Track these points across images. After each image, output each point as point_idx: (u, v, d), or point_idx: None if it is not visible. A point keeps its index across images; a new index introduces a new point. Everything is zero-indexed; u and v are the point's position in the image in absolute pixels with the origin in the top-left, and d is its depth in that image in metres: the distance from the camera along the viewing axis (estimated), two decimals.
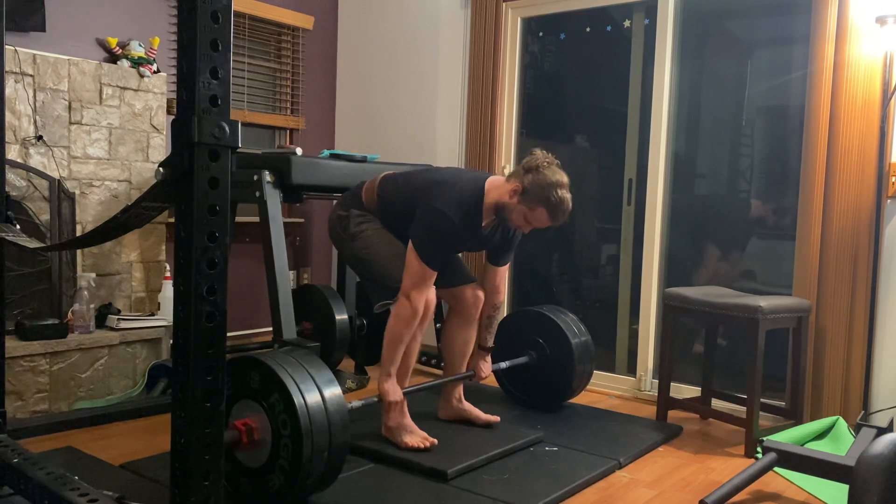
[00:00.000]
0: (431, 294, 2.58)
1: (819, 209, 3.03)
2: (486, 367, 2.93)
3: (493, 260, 2.86)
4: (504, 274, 2.91)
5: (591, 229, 4.04)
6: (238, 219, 3.73)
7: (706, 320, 3.17)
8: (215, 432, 1.20)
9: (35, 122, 3.18)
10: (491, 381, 3.18)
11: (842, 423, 2.90)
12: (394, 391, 2.60)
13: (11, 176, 3.05)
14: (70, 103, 3.29)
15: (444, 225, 2.52)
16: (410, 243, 2.54)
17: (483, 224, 2.63)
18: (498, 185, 2.61)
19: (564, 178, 2.53)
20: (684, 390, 3.39)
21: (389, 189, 2.71)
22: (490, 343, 2.95)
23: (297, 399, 2.02)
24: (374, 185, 2.75)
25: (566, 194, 2.51)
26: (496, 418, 2.89)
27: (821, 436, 2.91)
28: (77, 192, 3.32)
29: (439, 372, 3.67)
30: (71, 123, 3.30)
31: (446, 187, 2.57)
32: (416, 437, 2.60)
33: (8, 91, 3.04)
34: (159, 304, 3.55)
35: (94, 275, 3.27)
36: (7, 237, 2.08)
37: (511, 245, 2.83)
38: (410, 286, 2.54)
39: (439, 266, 2.57)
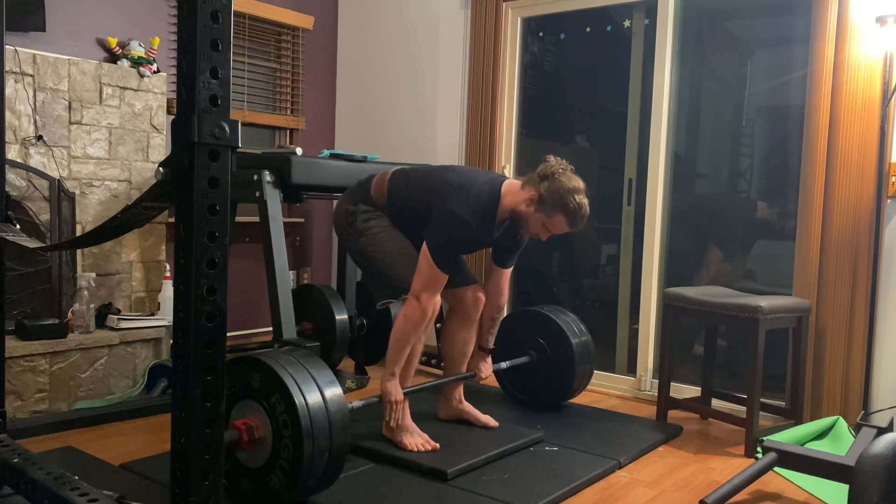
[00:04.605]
0: (437, 297, 2.58)
1: (819, 209, 3.03)
2: (487, 367, 2.93)
3: (499, 261, 2.85)
4: (507, 276, 2.89)
5: (591, 229, 4.04)
6: (238, 219, 3.73)
7: (706, 320, 3.17)
8: (215, 432, 1.20)
9: (35, 122, 3.18)
10: (491, 381, 3.18)
11: (842, 423, 2.90)
12: (396, 392, 2.60)
13: (11, 176, 3.05)
14: (70, 103, 3.29)
15: (461, 229, 2.52)
16: (424, 246, 2.53)
17: (495, 224, 2.63)
18: (513, 191, 2.59)
19: (581, 184, 2.52)
20: (684, 390, 3.39)
21: (401, 186, 2.69)
22: (491, 344, 2.95)
23: (298, 399, 2.02)
24: (385, 180, 2.73)
25: (584, 200, 2.50)
26: (496, 424, 2.88)
27: (821, 436, 2.91)
28: (77, 192, 3.32)
29: (439, 372, 3.67)
30: (71, 123, 3.30)
31: (463, 190, 2.55)
32: (417, 438, 2.60)
33: (8, 91, 3.04)
34: (159, 304, 3.55)
35: (94, 275, 3.27)
36: (7, 237, 2.08)
37: (518, 246, 2.82)
38: (421, 288, 2.53)
39: (451, 270, 2.57)
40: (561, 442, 2.80)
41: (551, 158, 2.58)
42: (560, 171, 2.53)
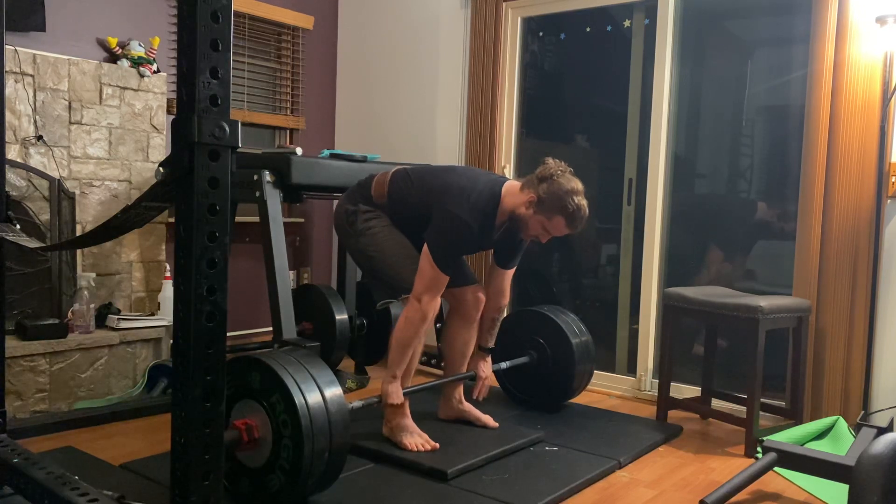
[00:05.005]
0: (438, 298, 2.58)
1: (819, 209, 3.03)
2: (487, 367, 2.93)
3: (500, 262, 2.85)
4: (509, 277, 2.89)
5: (591, 229, 4.04)
6: (238, 219, 3.73)
7: (706, 320, 3.17)
8: (215, 432, 1.20)
9: (35, 122, 3.18)
10: (491, 381, 3.17)
11: (842, 423, 2.90)
12: (396, 394, 2.59)
13: (11, 176, 3.05)
14: (70, 103, 3.29)
15: (462, 232, 2.52)
16: (426, 247, 2.53)
17: (495, 226, 2.63)
18: (513, 192, 2.59)
19: (580, 185, 2.52)
20: (684, 390, 3.39)
21: (401, 186, 2.69)
22: (491, 344, 2.94)
23: (298, 399, 2.02)
24: (385, 180, 2.72)
25: (583, 201, 2.51)
26: (495, 424, 2.88)
27: (821, 436, 2.91)
28: (77, 192, 3.32)
29: (439, 372, 3.67)
30: (71, 123, 3.30)
31: (465, 192, 2.54)
32: (417, 438, 2.60)
33: (8, 91, 3.04)
34: (159, 304, 3.55)
35: (94, 275, 3.27)
36: (7, 237, 2.08)
37: (519, 248, 2.82)
38: (423, 290, 2.53)
39: (451, 271, 2.57)
40: (561, 442, 2.80)
41: (549, 160, 2.58)
42: (558, 172, 2.52)
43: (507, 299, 2.93)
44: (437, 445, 2.59)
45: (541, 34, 4.18)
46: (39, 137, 3.19)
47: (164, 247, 3.67)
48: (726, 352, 3.59)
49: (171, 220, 3.59)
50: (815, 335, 3.05)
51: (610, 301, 3.90)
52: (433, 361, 3.90)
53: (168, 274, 3.63)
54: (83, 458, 2.48)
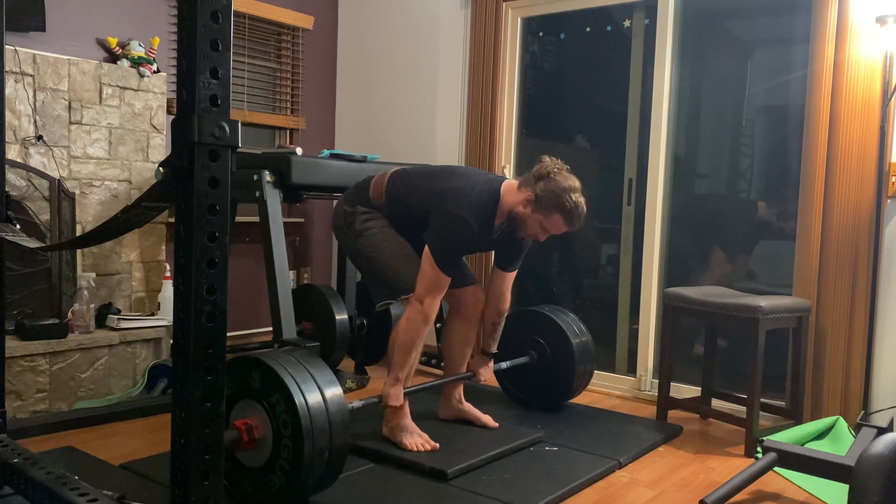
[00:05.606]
0: (439, 300, 2.57)
1: (819, 209, 3.03)
2: (487, 371, 2.92)
3: (501, 264, 2.83)
4: (510, 280, 2.86)
5: (591, 229, 4.05)
6: (238, 219, 3.73)
7: (706, 320, 3.17)
8: (215, 432, 1.20)
9: (35, 122, 3.18)
10: (491, 381, 3.18)
11: (842, 423, 2.90)
12: (396, 396, 2.59)
13: (11, 176, 3.05)
14: (70, 103, 3.29)
15: (463, 232, 2.51)
16: (427, 249, 2.52)
17: (494, 225, 2.63)
18: (511, 191, 2.58)
19: (577, 183, 2.52)
20: (684, 390, 3.39)
21: (399, 187, 2.68)
22: (493, 349, 2.93)
23: (298, 399, 2.02)
24: (383, 181, 2.72)
25: (580, 198, 2.50)
26: (495, 424, 2.87)
27: (821, 436, 2.91)
28: (77, 192, 3.32)
29: (439, 372, 3.67)
30: (71, 123, 3.30)
31: (464, 192, 2.54)
32: (417, 438, 2.60)
33: (8, 91, 3.04)
34: (159, 304, 3.55)
35: (94, 275, 3.27)
36: (7, 237, 2.08)
37: (521, 250, 2.80)
38: (425, 292, 2.52)
39: (453, 272, 2.57)
40: (561, 442, 2.80)
41: (546, 159, 2.57)
42: (555, 170, 2.52)
43: (507, 303, 2.89)
44: (437, 445, 2.59)
45: (541, 34, 4.18)
46: (39, 137, 3.19)
47: (164, 247, 3.67)
48: (726, 352, 3.59)
49: (171, 220, 3.60)
50: (815, 335, 3.05)
51: (610, 301, 3.90)
52: (433, 361, 3.90)
53: (168, 274, 3.63)
54: (83, 458, 2.48)
